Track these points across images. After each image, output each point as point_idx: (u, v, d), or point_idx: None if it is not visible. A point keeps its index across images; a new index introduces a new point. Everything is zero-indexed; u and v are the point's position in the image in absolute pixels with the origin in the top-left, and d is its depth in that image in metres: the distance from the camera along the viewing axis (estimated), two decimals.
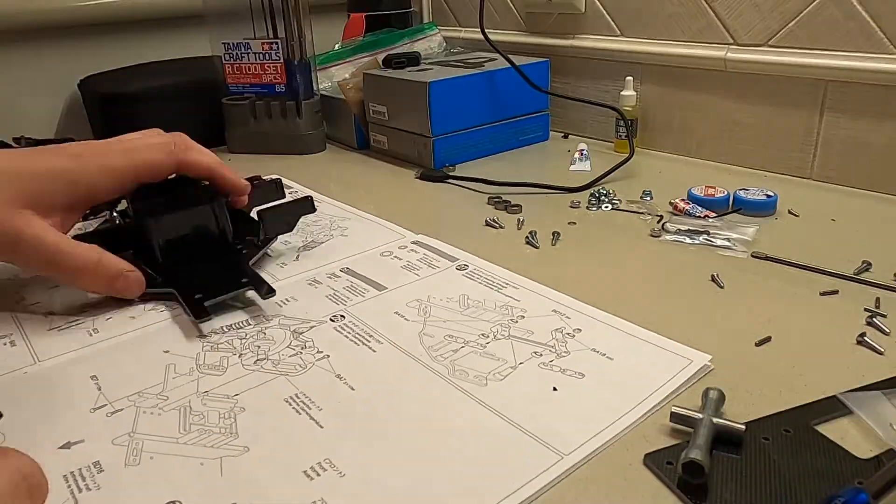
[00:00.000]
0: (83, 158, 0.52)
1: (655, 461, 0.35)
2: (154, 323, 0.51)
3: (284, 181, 0.84)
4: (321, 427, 0.39)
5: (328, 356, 0.46)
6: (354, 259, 0.61)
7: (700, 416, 0.36)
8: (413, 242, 0.64)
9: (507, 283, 0.54)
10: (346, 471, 0.35)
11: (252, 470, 0.36)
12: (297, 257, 0.62)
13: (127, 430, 0.39)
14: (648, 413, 0.39)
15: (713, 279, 0.54)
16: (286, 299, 0.54)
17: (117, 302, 0.54)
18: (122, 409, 0.41)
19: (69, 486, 0.35)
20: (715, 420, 0.36)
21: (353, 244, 0.64)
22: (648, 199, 0.73)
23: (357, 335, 0.48)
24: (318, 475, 0.35)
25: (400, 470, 0.35)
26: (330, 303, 0.53)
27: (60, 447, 0.38)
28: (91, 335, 0.49)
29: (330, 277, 0.58)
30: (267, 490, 0.34)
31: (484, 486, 0.33)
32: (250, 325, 0.50)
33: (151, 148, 0.54)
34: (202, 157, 0.57)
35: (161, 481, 0.35)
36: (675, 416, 0.37)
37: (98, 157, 0.52)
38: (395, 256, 0.61)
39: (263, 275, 0.57)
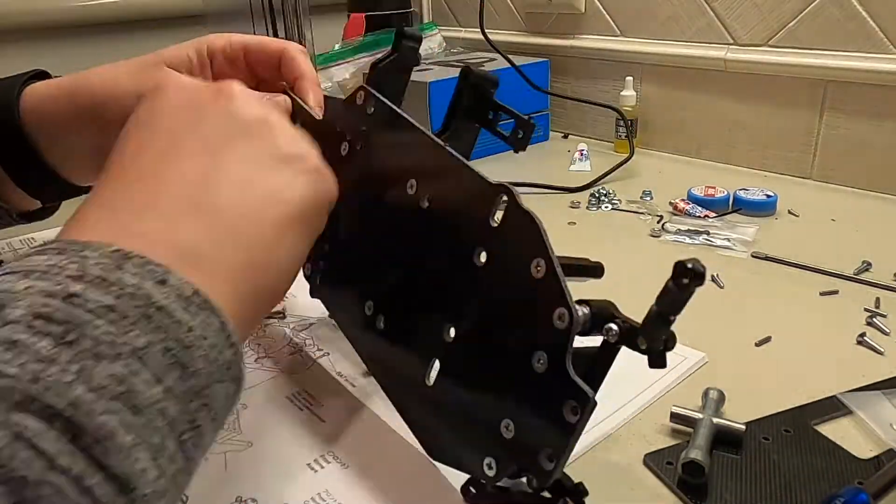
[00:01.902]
0: (208, 37, 0.48)
1: (655, 461, 0.35)
2: None
3: None
4: (323, 422, 0.39)
5: (328, 354, 0.46)
6: None
7: (700, 416, 0.37)
8: None
9: None
10: (349, 463, 0.35)
11: (256, 464, 0.36)
12: None
13: None
14: (643, 408, 0.39)
15: (713, 279, 0.54)
16: (285, 297, 0.54)
17: None
18: None
19: None
20: (715, 420, 0.36)
21: None
22: (648, 199, 0.73)
23: None
24: (322, 467, 0.35)
25: (401, 462, 0.35)
26: None
27: None
28: None
29: None
30: (272, 483, 0.34)
31: None
32: None
33: (265, 37, 0.49)
34: (307, 62, 0.47)
35: None
36: (674, 417, 0.37)
37: (219, 35, 0.48)
38: None
39: None
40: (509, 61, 0.90)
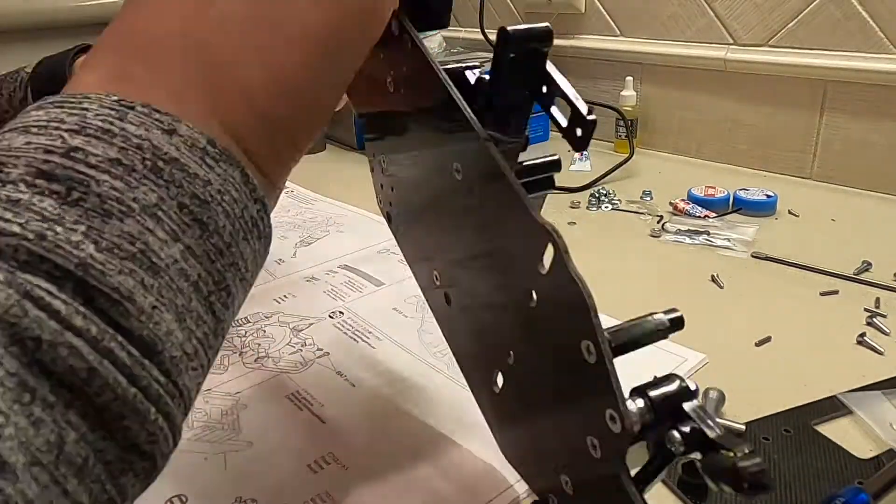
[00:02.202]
0: None
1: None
2: None
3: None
4: (323, 422, 0.39)
5: (328, 353, 0.46)
6: (352, 256, 0.61)
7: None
8: None
9: None
10: (349, 464, 0.35)
11: (257, 464, 0.36)
12: (295, 253, 0.62)
13: None
14: None
15: (713, 279, 0.54)
16: (284, 296, 0.54)
17: None
18: None
19: None
20: (721, 425, 0.36)
21: (350, 241, 0.65)
22: (648, 199, 0.73)
23: (356, 332, 0.48)
24: (322, 468, 0.35)
25: (402, 463, 0.35)
26: (328, 299, 0.53)
27: None
28: None
29: (328, 274, 0.58)
30: (272, 483, 0.34)
31: (481, 480, 0.34)
32: (249, 322, 0.50)
33: None
34: None
35: (165, 475, 0.35)
36: None
37: None
38: (392, 252, 0.61)
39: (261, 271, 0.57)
40: None
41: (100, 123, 0.20)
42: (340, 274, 0.58)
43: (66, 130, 0.20)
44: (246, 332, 0.49)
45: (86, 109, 0.20)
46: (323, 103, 0.26)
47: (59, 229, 0.18)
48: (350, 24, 0.25)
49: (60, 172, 0.19)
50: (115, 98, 0.21)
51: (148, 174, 0.20)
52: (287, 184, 0.86)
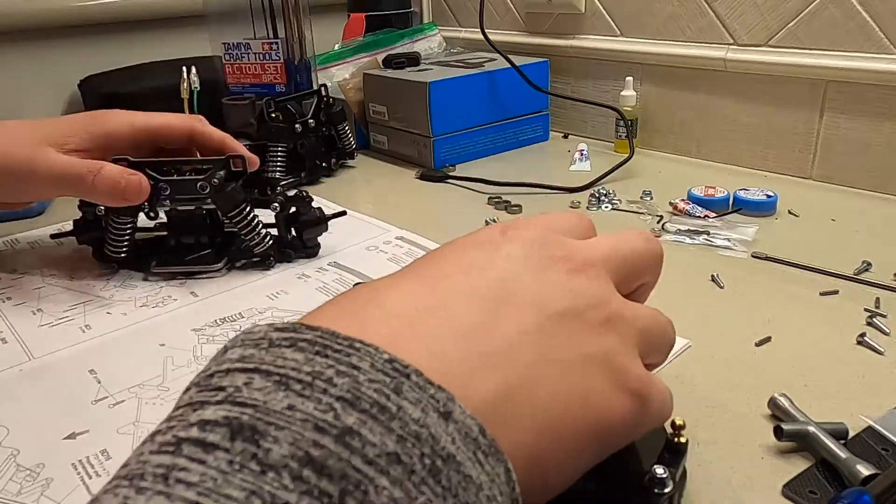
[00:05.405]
0: (105, 114, 0.57)
1: (796, 491, 0.32)
2: (146, 319, 0.51)
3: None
4: None
5: None
6: (341, 253, 0.62)
7: (810, 428, 0.34)
8: (397, 238, 0.65)
9: None
10: None
11: None
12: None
13: (131, 420, 0.39)
14: None
15: (713, 279, 0.54)
16: (277, 293, 0.55)
17: (107, 297, 0.53)
18: (123, 401, 0.41)
19: (79, 474, 0.35)
20: (824, 426, 0.35)
21: (338, 238, 0.65)
22: (648, 199, 0.73)
23: None
24: None
25: None
26: (321, 295, 0.54)
27: (65, 438, 0.38)
28: (83, 331, 0.50)
29: (318, 271, 0.59)
30: None
31: None
32: (243, 317, 0.51)
33: (169, 115, 0.60)
34: (215, 129, 0.61)
35: None
36: (786, 434, 0.35)
37: (120, 114, 0.58)
38: (381, 251, 0.62)
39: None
40: (509, 61, 0.90)
41: (375, 396, 0.18)
42: (331, 272, 0.58)
43: (336, 399, 0.17)
44: (241, 327, 0.48)
45: (356, 369, 0.18)
46: (565, 479, 0.23)
47: None
48: (635, 433, 0.25)
49: (334, 465, 0.16)
50: (387, 357, 0.19)
51: (427, 478, 0.17)
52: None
